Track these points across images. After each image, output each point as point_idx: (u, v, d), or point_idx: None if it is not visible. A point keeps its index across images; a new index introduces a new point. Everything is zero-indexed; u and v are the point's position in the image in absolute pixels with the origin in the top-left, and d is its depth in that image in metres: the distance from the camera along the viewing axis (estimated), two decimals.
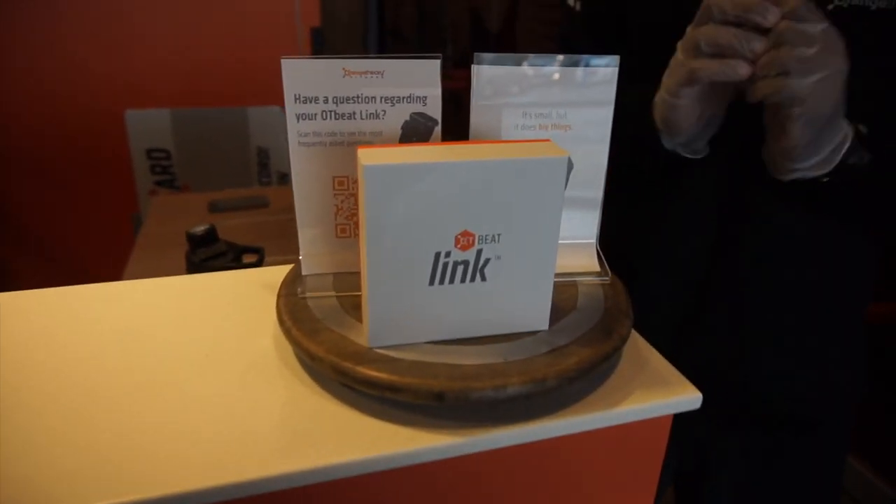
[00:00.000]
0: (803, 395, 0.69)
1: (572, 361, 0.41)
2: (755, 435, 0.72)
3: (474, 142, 0.41)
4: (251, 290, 0.56)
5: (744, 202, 0.64)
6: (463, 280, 0.41)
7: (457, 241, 0.39)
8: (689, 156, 0.61)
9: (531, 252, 0.41)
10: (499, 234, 0.40)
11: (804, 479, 0.74)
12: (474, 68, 0.46)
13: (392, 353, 0.41)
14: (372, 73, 0.45)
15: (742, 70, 0.49)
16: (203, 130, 2.12)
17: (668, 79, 0.54)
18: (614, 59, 0.47)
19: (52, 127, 2.03)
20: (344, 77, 0.45)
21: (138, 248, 1.30)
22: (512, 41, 2.47)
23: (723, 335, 0.68)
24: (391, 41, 3.23)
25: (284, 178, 2.23)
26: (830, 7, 0.56)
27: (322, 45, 2.17)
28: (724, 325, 0.67)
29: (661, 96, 0.56)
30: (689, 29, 0.52)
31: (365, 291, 0.41)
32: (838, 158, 0.53)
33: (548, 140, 0.42)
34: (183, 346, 0.47)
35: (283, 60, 0.44)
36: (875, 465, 1.66)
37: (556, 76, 0.47)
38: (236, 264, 0.83)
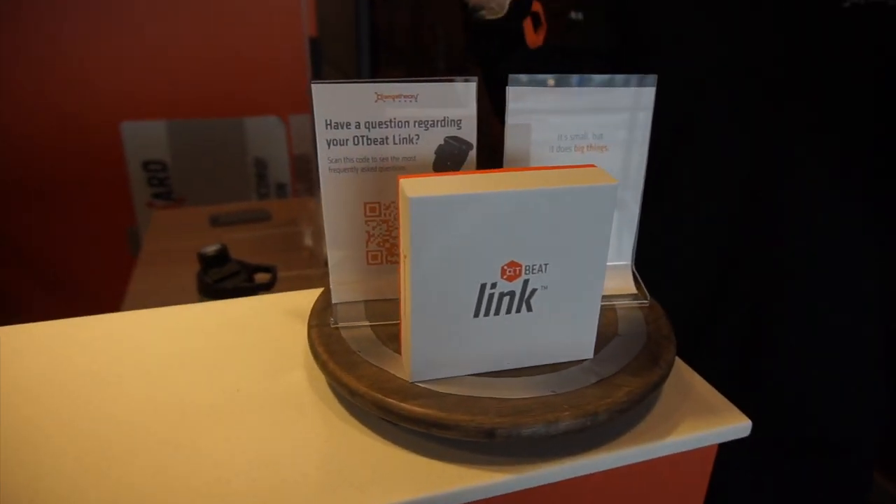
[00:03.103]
0: (825, 415, 0.67)
1: (622, 393, 0.39)
2: (773, 460, 0.69)
3: (516, 168, 0.40)
4: (274, 318, 0.54)
5: (755, 192, 0.61)
6: (508, 311, 0.40)
7: (503, 271, 0.38)
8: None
9: (578, 281, 0.40)
10: (546, 264, 0.39)
11: None
12: (509, 90, 0.45)
13: (437, 388, 0.40)
14: (405, 96, 0.44)
15: None
16: (200, 142, 2.09)
17: None
18: (652, 79, 0.46)
19: (46, 140, 2.00)
20: (376, 101, 0.44)
21: (141, 266, 1.27)
22: None
23: (737, 348, 0.66)
24: (384, 50, 3.22)
25: (282, 190, 2.21)
26: (847, 4, 0.55)
27: (319, 54, 2.16)
28: (738, 338, 0.65)
29: None
30: None
31: (407, 324, 0.39)
32: None
33: (592, 165, 0.41)
34: (209, 383, 0.46)
35: (313, 85, 0.43)
36: None
37: (594, 95, 0.46)
38: (249, 284, 0.82)
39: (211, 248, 0.81)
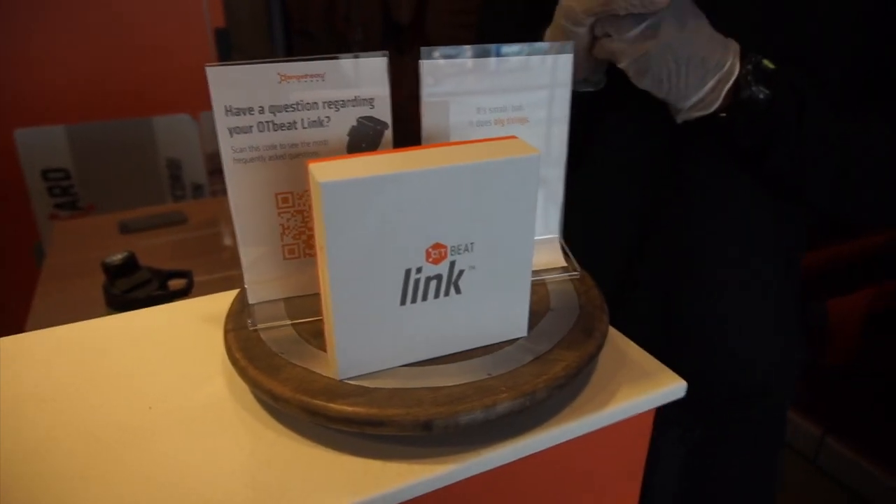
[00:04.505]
0: (741, 367, 0.69)
1: (559, 368, 0.38)
2: (694, 418, 0.70)
3: (434, 145, 0.38)
4: (189, 326, 0.50)
5: (665, 159, 0.62)
6: (437, 295, 0.38)
7: (428, 254, 0.36)
8: (587, 90, 0.59)
9: (506, 258, 0.38)
10: (472, 243, 0.37)
11: (746, 459, 0.73)
12: (422, 64, 0.43)
13: (367, 383, 0.38)
14: (311, 76, 0.41)
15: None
16: (105, 145, 1.96)
17: (575, 3, 0.51)
18: (569, 45, 0.45)
19: None
20: (280, 83, 0.40)
21: (43, 281, 1.18)
22: (424, 34, 2.43)
23: (655, 307, 0.66)
24: (298, 39, 3.11)
25: (199, 190, 2.11)
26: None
27: (229, 46, 2.06)
28: (657, 297, 0.66)
29: (560, 25, 0.53)
30: None
31: (330, 319, 0.37)
32: (720, 97, 0.53)
33: (513, 137, 0.39)
34: (120, 401, 0.42)
35: (208, 68, 0.39)
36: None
37: (510, 67, 0.44)
38: (163, 293, 0.76)
39: (116, 257, 0.75)
